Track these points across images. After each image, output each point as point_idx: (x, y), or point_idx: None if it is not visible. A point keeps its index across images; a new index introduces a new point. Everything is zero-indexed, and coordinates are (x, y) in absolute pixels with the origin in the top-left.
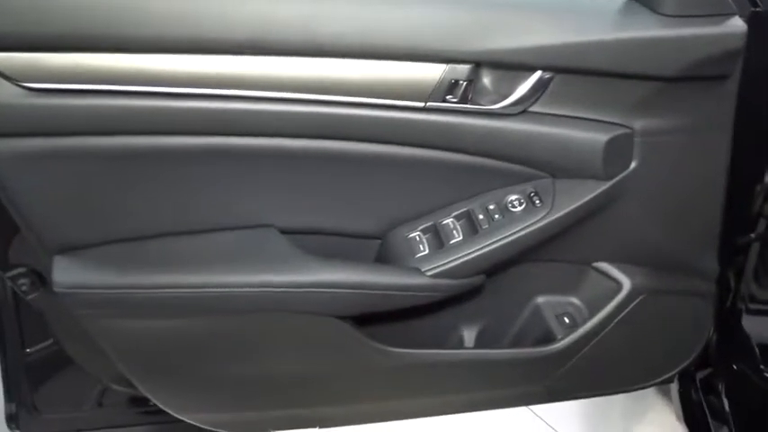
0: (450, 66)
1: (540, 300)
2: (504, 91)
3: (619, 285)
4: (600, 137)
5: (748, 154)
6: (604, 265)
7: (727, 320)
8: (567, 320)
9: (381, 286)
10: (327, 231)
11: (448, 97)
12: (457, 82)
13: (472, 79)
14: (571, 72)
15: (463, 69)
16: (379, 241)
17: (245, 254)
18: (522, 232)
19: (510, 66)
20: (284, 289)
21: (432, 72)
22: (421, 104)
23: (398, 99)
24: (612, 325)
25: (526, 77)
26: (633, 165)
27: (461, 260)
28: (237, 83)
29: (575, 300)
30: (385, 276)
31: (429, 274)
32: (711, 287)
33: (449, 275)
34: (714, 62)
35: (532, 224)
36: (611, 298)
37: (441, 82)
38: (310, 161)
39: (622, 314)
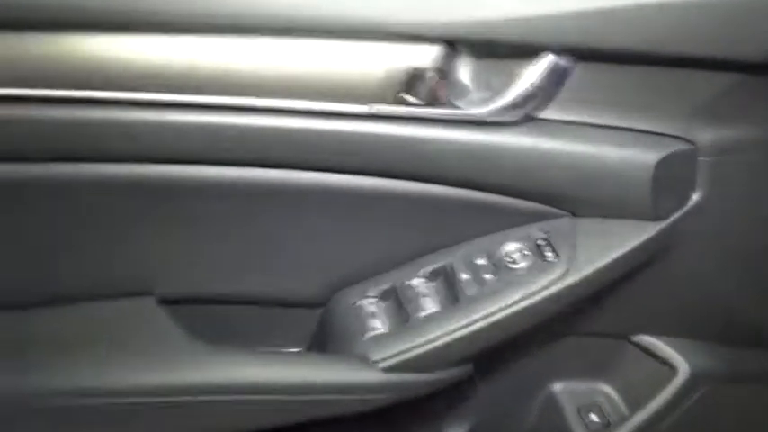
0: (408, 47)
1: (557, 387)
2: (497, 87)
3: (672, 369)
4: (647, 156)
5: None
6: (649, 340)
7: None
8: (594, 417)
9: (308, 388)
10: (234, 299)
11: (406, 97)
12: (420, 73)
13: (445, 68)
14: (603, 57)
15: (429, 53)
16: (319, 311)
17: (114, 335)
18: (527, 302)
19: (505, 47)
20: (155, 399)
21: (380, 58)
22: (363, 109)
23: (327, 101)
24: (663, 427)
25: (530, 66)
26: (696, 197)
27: (435, 344)
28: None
29: (606, 387)
30: (314, 371)
31: (384, 365)
32: None
33: (415, 366)
34: None
35: (542, 290)
36: (661, 387)
37: (394, 73)
38: (198, 196)
39: (677, 411)
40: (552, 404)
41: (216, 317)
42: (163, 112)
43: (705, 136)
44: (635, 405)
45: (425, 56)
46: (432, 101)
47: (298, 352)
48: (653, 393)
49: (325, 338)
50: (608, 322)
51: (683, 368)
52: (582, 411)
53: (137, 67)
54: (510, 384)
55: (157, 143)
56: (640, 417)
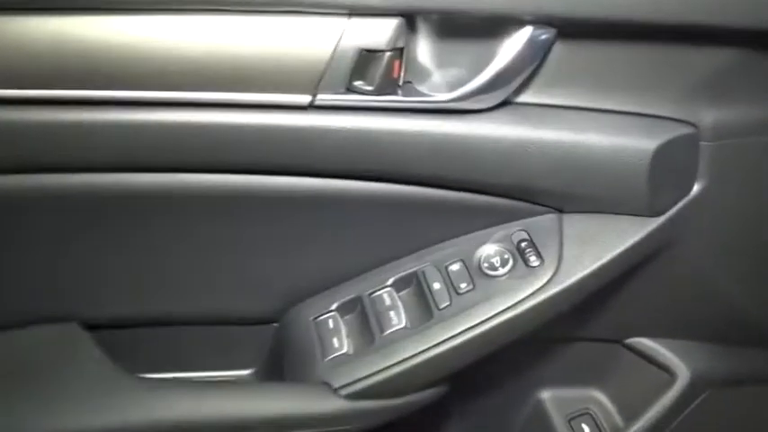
0: (354, 20)
1: (545, 394)
2: (466, 68)
3: (671, 374)
4: (643, 143)
5: None
6: (645, 343)
7: None
8: (584, 427)
9: (259, 422)
10: (176, 320)
11: (357, 84)
12: (371, 54)
13: (402, 47)
14: (589, 30)
15: (383, 28)
16: (275, 325)
17: (35, 367)
18: (508, 315)
19: (473, 20)
20: None
21: (323, 36)
22: (305, 99)
23: (263, 91)
24: None
25: (504, 42)
26: (697, 187)
27: (403, 366)
28: None
29: (598, 394)
30: (267, 402)
31: (346, 392)
32: None
33: (381, 392)
34: None
35: (524, 300)
36: (659, 394)
37: (339, 55)
38: (129, 207)
39: (677, 419)
40: (540, 413)
41: (156, 340)
42: (67, 112)
43: (708, 118)
44: (631, 413)
45: (379, 33)
46: (387, 87)
47: (248, 379)
48: (650, 400)
49: (281, 359)
50: (600, 326)
51: (683, 372)
52: (572, 420)
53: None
54: (495, 391)
55: (70, 149)
56: (637, 426)
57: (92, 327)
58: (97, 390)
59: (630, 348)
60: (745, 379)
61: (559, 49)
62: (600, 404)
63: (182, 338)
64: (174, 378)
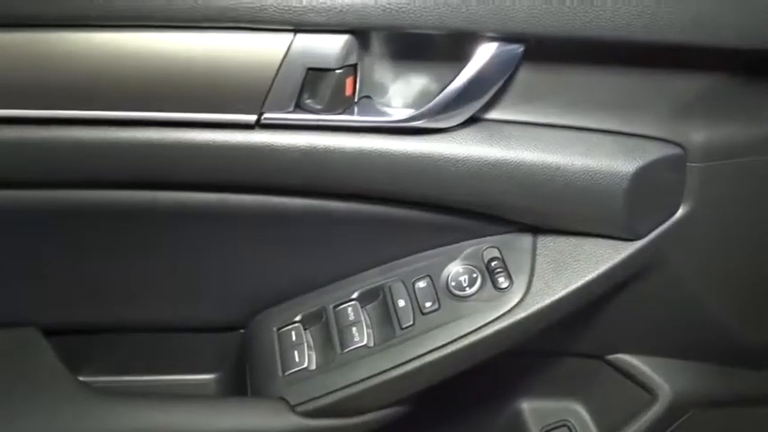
0: (300, 37)
1: (524, 405)
2: (429, 85)
3: (652, 393)
4: (622, 164)
5: None
6: (627, 360)
7: None
8: None
9: None
10: (139, 326)
11: (307, 102)
12: (320, 72)
13: (353, 64)
14: (563, 46)
15: (330, 45)
16: (241, 332)
17: None
18: (474, 338)
19: (430, 29)
20: None
21: (266, 56)
22: (251, 118)
23: (209, 110)
24: None
25: (470, 57)
26: (683, 209)
27: (364, 386)
28: None
29: (577, 407)
30: (223, 418)
31: (304, 409)
32: None
33: (340, 411)
34: None
35: (490, 323)
36: (639, 412)
37: (285, 73)
38: (92, 219)
39: None
40: (516, 423)
41: (120, 345)
42: (27, 130)
43: (698, 138)
44: (608, 429)
45: (326, 50)
46: (338, 104)
47: (212, 382)
48: (630, 418)
49: (243, 368)
50: (582, 341)
51: (665, 392)
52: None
53: None
54: (473, 401)
55: (37, 164)
56: None
57: (52, 332)
58: (49, 399)
59: (612, 365)
60: (728, 400)
61: (529, 65)
62: (578, 417)
63: (145, 343)
64: (131, 389)
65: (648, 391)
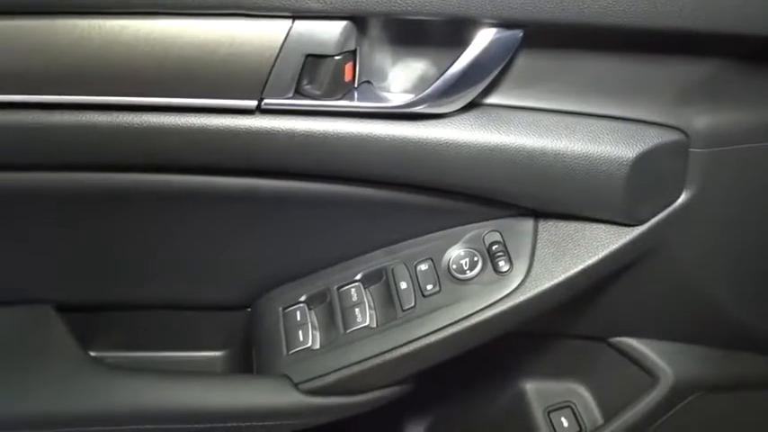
0: (298, 23)
1: (527, 386)
2: (429, 71)
3: (654, 377)
4: (623, 150)
5: None
6: (630, 343)
7: None
8: (564, 421)
9: (221, 414)
10: (150, 304)
11: (307, 87)
12: (319, 57)
13: (352, 49)
14: (563, 32)
15: (329, 31)
16: (248, 310)
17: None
18: (475, 320)
19: (429, 15)
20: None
21: (266, 42)
22: (252, 103)
23: (210, 95)
24: None
25: (468, 42)
26: (686, 194)
27: (365, 365)
28: None
29: (580, 389)
30: (229, 394)
31: (307, 387)
32: None
33: (343, 389)
34: None
35: (492, 305)
36: (642, 394)
37: (284, 59)
38: (104, 201)
39: (659, 422)
40: (520, 403)
41: (130, 322)
42: (28, 114)
43: (700, 124)
44: (612, 411)
45: (324, 36)
46: (338, 90)
47: (218, 360)
48: (632, 400)
49: (250, 345)
50: (585, 324)
51: (667, 375)
52: (551, 413)
53: None
54: (476, 381)
55: (47, 148)
56: (617, 424)
57: (65, 309)
58: (62, 374)
59: (615, 347)
60: (731, 384)
61: (528, 50)
62: (581, 398)
63: (154, 320)
64: (140, 364)
65: (650, 373)
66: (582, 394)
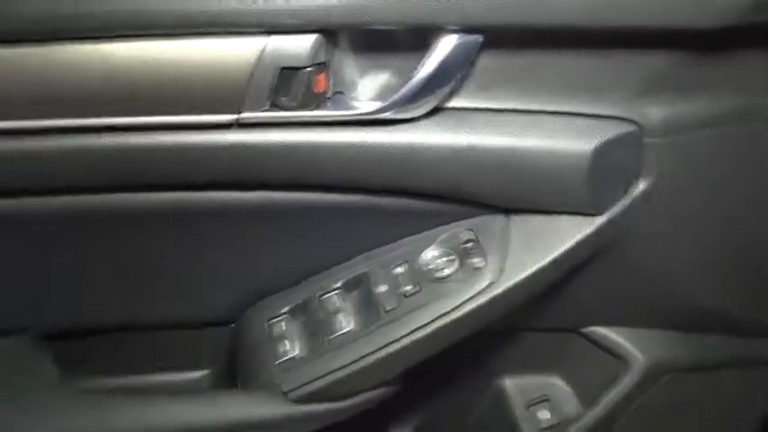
0: (273, 38)
1: (506, 382)
2: (395, 78)
3: (626, 362)
4: (581, 143)
5: None
6: (601, 332)
7: None
8: (544, 413)
9: (207, 428)
10: (134, 325)
11: (282, 100)
12: (292, 71)
13: (324, 61)
14: (520, 34)
15: (301, 45)
16: (232, 326)
17: None
18: (454, 315)
19: (393, 25)
20: None
21: (242, 58)
22: (230, 118)
23: (188, 113)
24: (621, 421)
25: (432, 48)
26: (644, 182)
27: (351, 369)
28: None
29: (557, 381)
30: (217, 409)
31: (295, 395)
32: None
33: (330, 395)
34: None
35: (469, 300)
36: (615, 381)
37: (261, 74)
38: (81, 222)
39: (635, 405)
40: (500, 400)
41: (113, 345)
42: (9, 140)
43: (651, 115)
44: (589, 399)
45: (297, 49)
46: (311, 101)
47: (204, 379)
48: (607, 387)
49: (235, 361)
50: (556, 316)
51: (639, 360)
52: (531, 407)
53: None
54: (455, 381)
55: (23, 173)
56: (595, 411)
57: (46, 335)
58: (44, 400)
59: (587, 337)
60: (701, 364)
61: (489, 53)
62: (559, 390)
63: (137, 343)
64: (124, 389)
65: (623, 360)
66: (559, 386)
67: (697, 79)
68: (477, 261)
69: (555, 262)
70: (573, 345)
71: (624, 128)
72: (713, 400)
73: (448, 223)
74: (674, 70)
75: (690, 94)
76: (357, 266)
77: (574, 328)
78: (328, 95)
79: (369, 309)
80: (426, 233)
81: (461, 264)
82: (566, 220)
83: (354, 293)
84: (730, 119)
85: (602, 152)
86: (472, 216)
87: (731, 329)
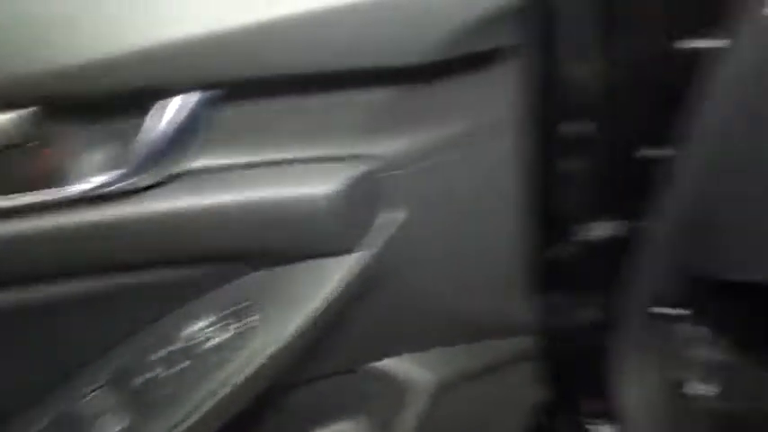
0: None
1: None
2: (123, 148)
3: (408, 387)
4: (320, 187)
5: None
6: (385, 364)
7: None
8: None
9: None
10: None
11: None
12: (10, 149)
13: (46, 136)
14: (247, 88)
15: (15, 120)
16: None
17: None
18: (236, 379)
19: (108, 93)
20: None
21: None
22: None
23: None
24: None
25: (157, 112)
26: (399, 215)
27: None
28: None
29: (360, 421)
30: None
31: None
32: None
33: None
34: (485, 31)
35: (246, 363)
36: (402, 407)
37: None
38: None
39: (421, 425)
40: None
41: None
42: None
43: (385, 149)
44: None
45: (8, 126)
46: (36, 181)
47: None
48: (396, 415)
49: None
50: (344, 358)
51: (427, 379)
52: None
53: None
54: None
55: None
56: None
57: None
58: None
59: (373, 373)
60: (483, 370)
61: (222, 110)
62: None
63: None
64: None
65: (404, 385)
66: (363, 427)
67: (422, 109)
68: (250, 320)
69: (328, 305)
70: (365, 383)
71: (362, 165)
72: (497, 398)
73: (215, 288)
74: (398, 104)
75: (418, 124)
76: (120, 355)
77: (353, 367)
78: (51, 173)
79: (141, 397)
80: (192, 304)
81: (230, 327)
82: (328, 263)
83: (122, 384)
84: (460, 141)
85: (344, 191)
86: (238, 276)
87: (488, 335)
